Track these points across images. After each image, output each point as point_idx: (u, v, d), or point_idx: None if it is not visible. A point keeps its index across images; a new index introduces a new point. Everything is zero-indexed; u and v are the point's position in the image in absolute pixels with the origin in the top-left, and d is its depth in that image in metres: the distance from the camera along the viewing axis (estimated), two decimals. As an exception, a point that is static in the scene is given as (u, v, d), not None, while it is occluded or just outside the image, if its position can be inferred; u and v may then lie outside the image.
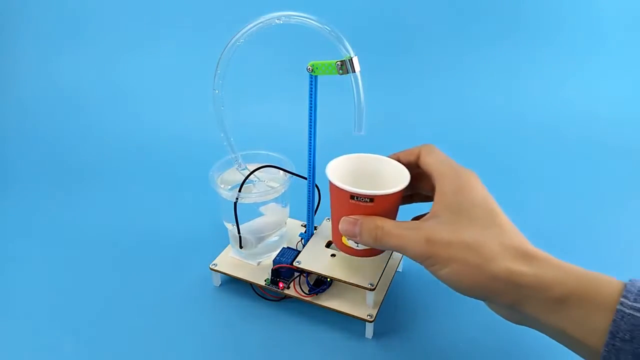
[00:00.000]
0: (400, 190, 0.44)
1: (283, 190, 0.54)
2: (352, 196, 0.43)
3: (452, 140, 0.89)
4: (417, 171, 0.45)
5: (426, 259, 0.39)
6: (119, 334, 0.51)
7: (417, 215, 0.46)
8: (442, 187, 0.41)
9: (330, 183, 0.45)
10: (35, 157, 0.85)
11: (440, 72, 0.99)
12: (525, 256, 0.36)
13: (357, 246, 0.48)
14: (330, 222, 0.49)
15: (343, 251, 0.49)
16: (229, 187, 0.55)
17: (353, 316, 0.49)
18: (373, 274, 0.50)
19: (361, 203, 0.43)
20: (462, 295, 0.55)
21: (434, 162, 0.43)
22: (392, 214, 0.46)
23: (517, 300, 0.36)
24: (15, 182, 0.79)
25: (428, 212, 0.41)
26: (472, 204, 0.39)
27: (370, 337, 0.50)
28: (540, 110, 0.96)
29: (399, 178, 0.46)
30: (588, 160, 0.85)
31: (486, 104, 0.97)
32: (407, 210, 0.48)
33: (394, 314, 0.53)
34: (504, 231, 0.37)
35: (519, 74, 0.99)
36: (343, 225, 0.44)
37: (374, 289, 0.48)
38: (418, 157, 0.45)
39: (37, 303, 0.55)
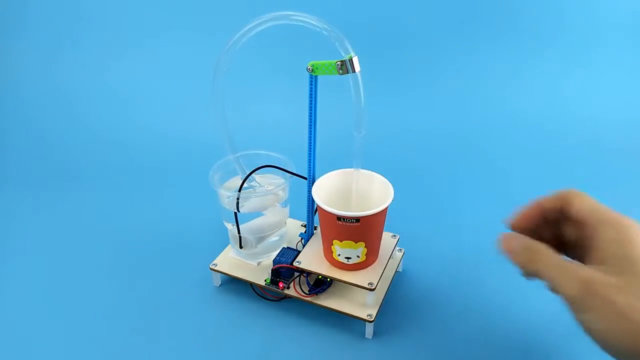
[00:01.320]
0: (385, 208, 0.47)
1: (284, 196, 0.55)
2: (339, 218, 0.46)
3: (450, 140, 0.90)
4: (559, 217, 0.40)
5: (579, 302, 0.33)
6: (119, 334, 0.51)
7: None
8: (605, 235, 0.35)
9: (318, 205, 0.47)
10: (35, 157, 0.85)
11: (441, 72, 0.99)
12: None
13: (348, 261, 0.49)
14: (322, 239, 0.51)
15: (334, 265, 0.50)
16: (232, 192, 0.55)
17: (353, 316, 0.49)
18: (373, 274, 0.50)
19: (348, 224, 0.46)
20: (461, 296, 0.55)
21: (590, 208, 0.38)
22: (379, 231, 0.49)
23: None
24: (15, 181, 0.79)
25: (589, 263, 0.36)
26: None
27: (370, 337, 0.50)
28: (539, 112, 0.96)
29: (384, 193, 0.49)
30: (588, 162, 0.85)
31: (486, 105, 0.97)
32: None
33: (394, 314, 0.53)
34: None
35: (518, 74, 0.99)
36: (507, 242, 0.39)
37: (374, 289, 0.48)
38: (570, 204, 0.39)
39: (37, 303, 0.55)
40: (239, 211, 0.52)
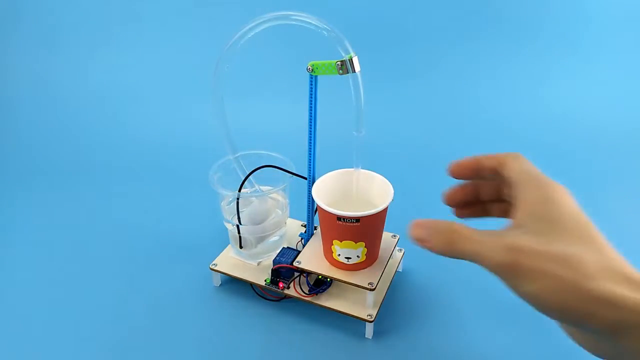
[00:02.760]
0: (385, 208, 0.47)
1: (284, 202, 0.55)
2: (339, 218, 0.46)
3: (451, 140, 0.90)
4: (496, 180, 0.41)
5: (508, 270, 0.33)
6: (119, 334, 0.51)
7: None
8: (527, 195, 0.36)
9: (318, 206, 0.47)
10: (35, 156, 0.85)
11: (441, 72, 0.99)
12: (629, 280, 0.31)
13: (348, 261, 0.49)
14: (322, 239, 0.51)
15: (334, 265, 0.50)
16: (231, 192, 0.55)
17: (353, 316, 0.49)
18: (373, 274, 0.50)
19: (348, 224, 0.46)
20: (461, 296, 0.55)
21: (520, 170, 0.38)
22: (379, 231, 0.49)
23: (616, 328, 0.30)
24: (15, 182, 0.79)
25: (510, 223, 0.36)
26: (564, 215, 0.34)
27: (370, 337, 0.50)
28: (539, 111, 0.96)
29: (384, 192, 0.49)
30: (583, 161, 0.85)
31: (486, 105, 0.97)
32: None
33: (394, 314, 0.53)
34: (603, 249, 0.32)
35: (518, 75, 0.99)
36: (414, 230, 0.38)
37: (374, 289, 0.48)
38: (503, 164, 0.39)
39: (37, 302, 0.55)
40: (239, 212, 0.52)
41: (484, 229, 0.36)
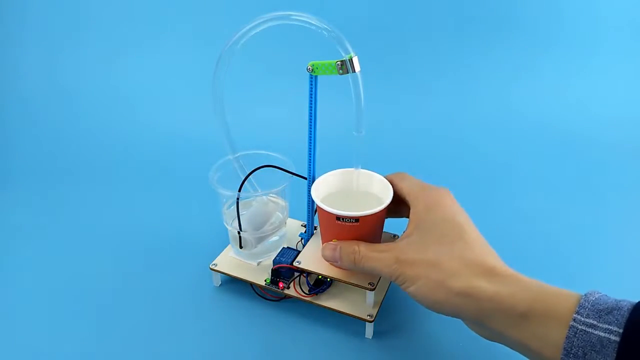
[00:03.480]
0: (383, 209, 0.46)
1: (282, 204, 0.55)
2: (338, 217, 0.45)
3: (451, 140, 0.90)
4: (395, 199, 0.47)
5: (396, 278, 0.41)
6: (118, 334, 0.51)
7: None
8: (415, 208, 0.43)
9: (317, 205, 0.47)
10: (36, 156, 0.85)
11: (442, 71, 0.99)
12: (488, 272, 0.37)
13: None
14: (321, 240, 0.51)
15: (333, 265, 0.50)
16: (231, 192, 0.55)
17: (353, 316, 0.49)
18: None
19: (347, 223, 0.46)
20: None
21: (406, 187, 0.46)
22: (378, 230, 0.49)
23: (480, 316, 0.37)
24: (16, 180, 0.79)
25: (406, 231, 0.43)
26: (441, 221, 0.41)
27: (370, 337, 0.50)
28: (538, 111, 0.96)
29: (384, 192, 0.49)
30: (586, 159, 0.85)
31: (486, 104, 0.97)
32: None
33: (394, 314, 0.53)
34: (469, 246, 0.39)
35: (519, 74, 0.99)
36: (325, 252, 0.47)
37: (374, 289, 0.48)
38: (394, 185, 0.48)
39: (36, 302, 0.55)
40: (239, 214, 0.52)
41: (383, 243, 0.44)
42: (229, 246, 0.58)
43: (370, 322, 0.49)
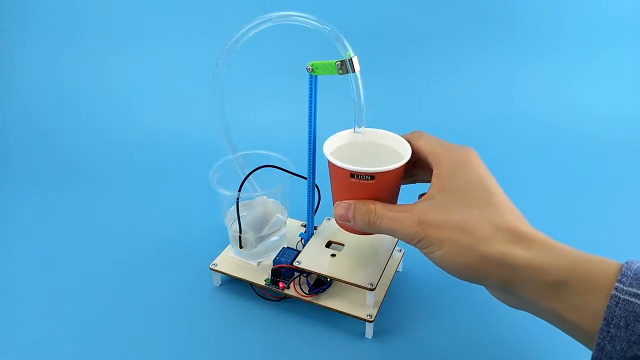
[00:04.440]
0: (402, 165, 0.42)
1: (283, 205, 0.55)
2: (352, 174, 0.41)
3: (452, 139, 0.89)
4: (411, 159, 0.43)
5: (418, 241, 0.38)
6: (118, 334, 0.51)
7: (421, 193, 0.44)
8: (438, 170, 0.40)
9: (329, 162, 0.43)
10: (36, 156, 0.85)
11: (442, 71, 0.99)
12: (520, 238, 0.35)
13: None
14: (332, 201, 0.46)
15: (343, 228, 0.46)
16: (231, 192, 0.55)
17: (353, 316, 0.49)
18: (373, 274, 0.50)
19: (362, 181, 0.41)
20: (461, 296, 0.55)
21: (426, 145, 0.42)
22: (394, 190, 0.44)
23: (511, 283, 0.35)
24: (16, 181, 0.79)
25: (429, 192, 0.40)
26: (468, 184, 0.38)
27: (370, 337, 0.50)
28: (540, 110, 0.96)
29: (400, 151, 0.45)
30: (588, 158, 0.85)
31: (488, 104, 0.97)
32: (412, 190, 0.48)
33: (394, 314, 0.53)
34: (499, 211, 0.36)
35: (520, 73, 0.99)
36: (337, 210, 0.43)
37: (374, 289, 0.48)
38: (411, 144, 0.44)
39: (36, 301, 0.55)
40: (239, 215, 0.52)
41: (401, 204, 0.41)
42: (229, 246, 0.58)
43: (370, 322, 0.49)
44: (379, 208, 0.40)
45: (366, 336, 0.50)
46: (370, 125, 0.46)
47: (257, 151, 0.57)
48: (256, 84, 0.95)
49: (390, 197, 0.44)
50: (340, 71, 0.43)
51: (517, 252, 0.34)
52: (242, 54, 0.47)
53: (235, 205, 0.52)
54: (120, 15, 0.96)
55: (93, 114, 0.94)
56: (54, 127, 0.92)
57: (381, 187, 0.42)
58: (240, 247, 0.55)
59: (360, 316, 0.49)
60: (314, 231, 0.56)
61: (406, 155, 0.42)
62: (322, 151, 0.44)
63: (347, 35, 0.43)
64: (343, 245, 0.54)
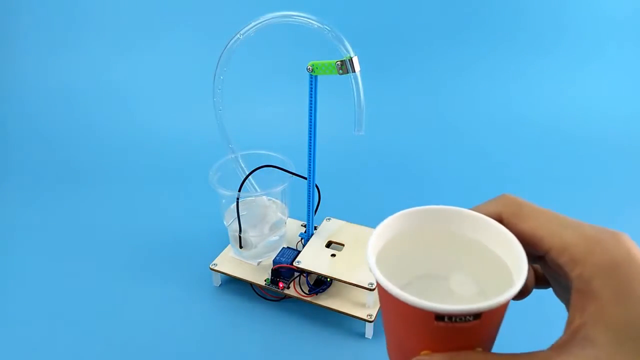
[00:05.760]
0: (520, 290, 0.23)
1: (282, 205, 0.55)
2: (440, 316, 0.23)
3: (454, 140, 0.89)
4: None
5: None
6: (118, 334, 0.51)
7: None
8: (586, 284, 0.22)
9: (385, 291, 0.24)
10: (36, 157, 0.85)
11: (442, 71, 0.99)
12: None
13: None
14: (390, 352, 0.29)
15: None
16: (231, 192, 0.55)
17: (353, 316, 0.49)
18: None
19: (458, 324, 0.23)
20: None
21: (547, 232, 0.24)
22: (497, 330, 0.28)
23: None
24: (16, 181, 0.79)
25: (567, 328, 0.23)
26: None
27: (370, 337, 0.50)
28: (542, 111, 0.96)
29: (493, 248, 0.27)
30: (590, 159, 0.85)
31: (490, 105, 0.97)
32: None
33: (394, 314, 0.53)
34: None
35: (521, 74, 0.99)
36: None
37: (374, 289, 0.48)
38: (500, 221, 0.26)
39: (36, 302, 0.55)
40: (239, 215, 0.52)
41: (519, 352, 0.24)
42: (229, 246, 0.58)
43: (370, 322, 0.49)
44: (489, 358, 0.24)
45: (366, 336, 0.50)
46: (369, 125, 0.45)
47: (257, 151, 0.57)
48: (256, 83, 0.94)
49: (493, 339, 0.28)
50: (341, 71, 0.43)
51: None
52: (243, 54, 0.47)
53: (236, 204, 0.52)
54: (120, 15, 0.96)
55: (92, 114, 0.94)
56: (54, 127, 0.91)
57: (487, 330, 0.25)
58: (240, 247, 0.55)
59: (360, 316, 0.49)
60: (314, 231, 0.56)
61: (522, 272, 0.24)
62: (368, 263, 0.25)
63: (347, 35, 0.43)
64: (343, 245, 0.54)
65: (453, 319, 0.23)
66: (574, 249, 0.23)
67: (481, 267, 0.27)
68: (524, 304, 0.28)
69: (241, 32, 0.46)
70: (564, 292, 0.25)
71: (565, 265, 0.23)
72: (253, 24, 0.45)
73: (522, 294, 0.26)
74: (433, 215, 0.28)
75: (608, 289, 0.21)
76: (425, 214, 0.28)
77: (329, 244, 0.54)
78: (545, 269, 0.26)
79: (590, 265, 0.22)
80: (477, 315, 0.23)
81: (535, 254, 0.25)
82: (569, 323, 0.23)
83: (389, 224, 0.28)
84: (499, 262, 0.26)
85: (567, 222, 0.24)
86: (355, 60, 0.43)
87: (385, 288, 0.23)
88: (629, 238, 0.23)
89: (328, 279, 0.51)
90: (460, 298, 0.26)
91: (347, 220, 0.57)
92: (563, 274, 0.23)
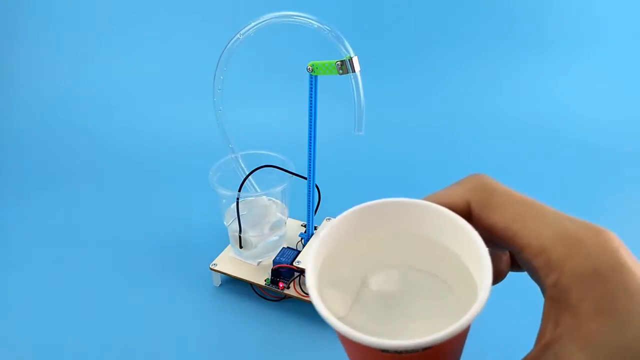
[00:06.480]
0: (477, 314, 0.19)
1: (282, 204, 0.55)
2: (385, 350, 0.20)
3: (450, 141, 0.90)
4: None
5: None
6: (118, 334, 0.51)
7: None
8: (566, 295, 0.19)
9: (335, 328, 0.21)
10: (36, 157, 0.85)
11: (442, 71, 0.99)
12: None
13: None
14: None
15: None
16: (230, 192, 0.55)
17: (353, 316, 0.49)
18: (373, 274, 0.49)
19: (405, 355, 0.20)
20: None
21: (521, 227, 0.20)
22: (460, 351, 0.25)
23: None
24: (15, 183, 0.79)
25: (538, 342, 0.21)
26: (634, 340, 0.17)
27: (370, 337, 0.50)
28: (533, 113, 0.96)
29: (457, 252, 0.23)
30: (589, 160, 0.85)
31: (482, 107, 0.97)
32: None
33: (394, 314, 0.53)
34: None
35: (514, 77, 0.99)
36: None
37: (374, 289, 0.48)
38: (468, 210, 0.22)
39: (35, 302, 0.55)
40: (239, 215, 0.52)
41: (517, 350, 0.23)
42: (229, 246, 0.58)
43: (370, 322, 0.49)
44: None
45: (366, 336, 0.50)
46: (368, 125, 0.45)
47: (257, 151, 0.57)
48: (256, 83, 0.95)
49: (458, 358, 0.26)
50: (340, 71, 0.43)
51: None
52: (243, 54, 0.47)
53: (236, 204, 0.52)
54: (118, 15, 0.96)
55: (91, 115, 0.94)
56: (52, 128, 0.92)
57: (442, 357, 0.23)
58: (240, 247, 0.55)
59: (360, 316, 0.49)
60: (314, 231, 0.56)
61: (483, 287, 0.20)
62: (309, 291, 0.22)
63: (347, 35, 0.43)
64: (343, 245, 0.54)
65: (399, 351, 0.20)
66: (551, 250, 0.19)
67: (449, 276, 0.24)
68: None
69: (241, 32, 0.46)
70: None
71: (540, 269, 0.20)
72: (253, 24, 0.45)
73: (496, 278, 0.23)
74: (391, 212, 0.25)
75: (588, 301, 0.18)
76: (381, 210, 0.24)
77: (329, 244, 0.54)
78: (520, 261, 0.22)
79: (569, 272, 0.19)
80: (428, 347, 0.19)
81: (509, 249, 0.22)
82: (540, 337, 0.20)
83: (338, 225, 0.23)
84: (466, 272, 0.23)
85: (545, 216, 0.20)
86: (355, 60, 0.43)
87: (329, 324, 0.21)
88: (615, 237, 0.19)
89: (328, 279, 0.51)
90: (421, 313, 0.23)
91: (347, 220, 0.57)
92: (536, 278, 0.21)
